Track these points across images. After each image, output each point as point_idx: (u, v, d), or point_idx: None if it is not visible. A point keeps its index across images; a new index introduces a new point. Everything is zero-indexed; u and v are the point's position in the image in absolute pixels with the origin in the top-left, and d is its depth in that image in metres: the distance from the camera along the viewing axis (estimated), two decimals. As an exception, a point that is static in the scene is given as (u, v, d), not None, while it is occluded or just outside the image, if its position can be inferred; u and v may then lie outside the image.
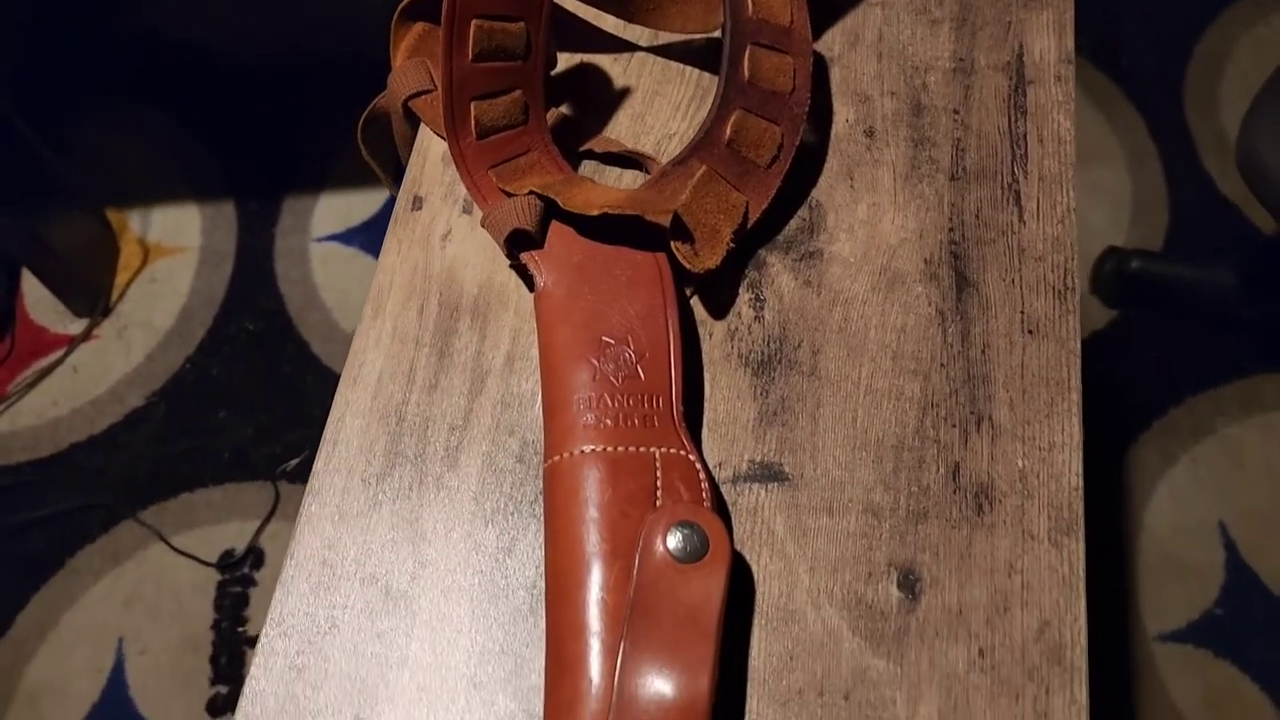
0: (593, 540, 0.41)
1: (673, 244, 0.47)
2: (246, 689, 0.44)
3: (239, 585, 1.14)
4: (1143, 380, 1.20)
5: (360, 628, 0.44)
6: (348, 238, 1.31)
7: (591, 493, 0.42)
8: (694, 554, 0.40)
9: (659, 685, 0.38)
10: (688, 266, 0.47)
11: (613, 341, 0.45)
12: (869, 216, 0.53)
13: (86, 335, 1.25)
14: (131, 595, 1.13)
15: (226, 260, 1.30)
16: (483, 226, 0.49)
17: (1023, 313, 0.50)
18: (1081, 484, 0.47)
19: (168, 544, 1.15)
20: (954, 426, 0.48)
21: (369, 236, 1.30)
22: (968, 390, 0.49)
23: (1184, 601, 1.09)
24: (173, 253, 1.31)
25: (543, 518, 0.45)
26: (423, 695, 0.43)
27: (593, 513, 0.41)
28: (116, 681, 1.10)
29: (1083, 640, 0.43)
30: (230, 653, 1.12)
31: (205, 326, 1.26)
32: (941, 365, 0.49)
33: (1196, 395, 1.19)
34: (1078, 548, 0.45)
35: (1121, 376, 1.20)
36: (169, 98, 1.41)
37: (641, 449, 0.43)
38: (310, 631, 0.44)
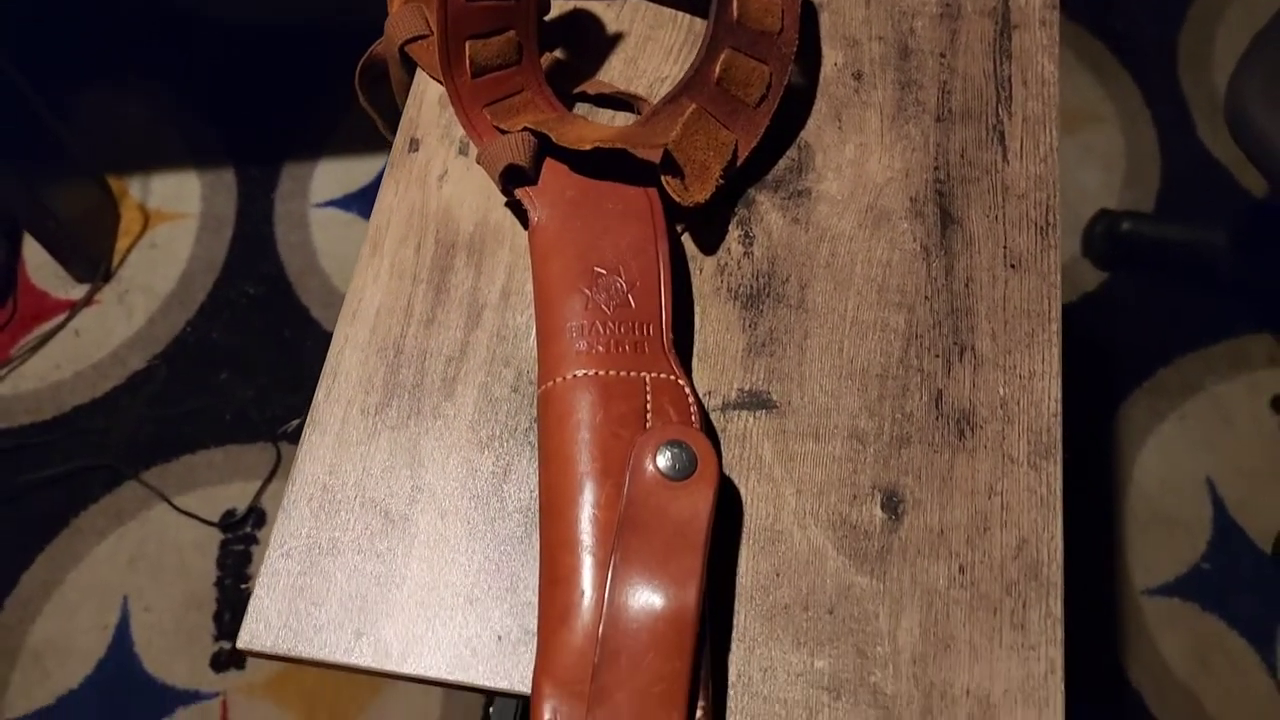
0: (585, 460, 0.42)
1: (663, 178, 0.48)
2: (251, 607, 0.45)
3: (241, 544, 1.15)
4: (1132, 340, 1.21)
5: (360, 548, 0.46)
6: (346, 203, 1.32)
7: (584, 415, 0.43)
8: (683, 472, 0.42)
9: (649, 596, 0.40)
10: (678, 200, 0.48)
11: (604, 272, 0.47)
12: (856, 156, 0.54)
13: (88, 300, 1.26)
14: (135, 554, 1.15)
15: (226, 226, 1.31)
16: (478, 163, 0.50)
17: (1005, 248, 0.52)
18: (1060, 410, 0.48)
19: (170, 504, 1.16)
20: (937, 356, 0.49)
21: (368, 202, 1.32)
22: (951, 322, 0.50)
23: (1171, 556, 1.10)
24: (173, 218, 1.32)
25: (537, 443, 0.47)
26: (421, 611, 0.44)
27: (585, 434, 0.43)
28: (121, 638, 1.12)
29: (1059, 557, 0.45)
30: (234, 610, 1.13)
31: (205, 291, 1.27)
32: (926, 298, 0.50)
33: (1185, 355, 1.20)
34: (1055, 470, 0.47)
35: (1112, 337, 1.21)
36: (169, 64, 1.42)
37: (632, 373, 0.44)
38: (312, 553, 0.46)
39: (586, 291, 0.46)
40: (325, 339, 1.24)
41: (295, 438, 1.21)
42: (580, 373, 0.44)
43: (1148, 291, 1.24)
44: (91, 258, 1.26)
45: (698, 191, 0.49)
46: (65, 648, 1.11)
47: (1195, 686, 1.04)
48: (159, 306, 1.25)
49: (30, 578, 1.14)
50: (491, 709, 1.02)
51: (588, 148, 0.47)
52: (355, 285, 0.52)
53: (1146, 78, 1.37)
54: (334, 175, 1.33)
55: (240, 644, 0.45)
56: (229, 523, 1.16)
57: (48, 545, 1.15)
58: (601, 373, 0.44)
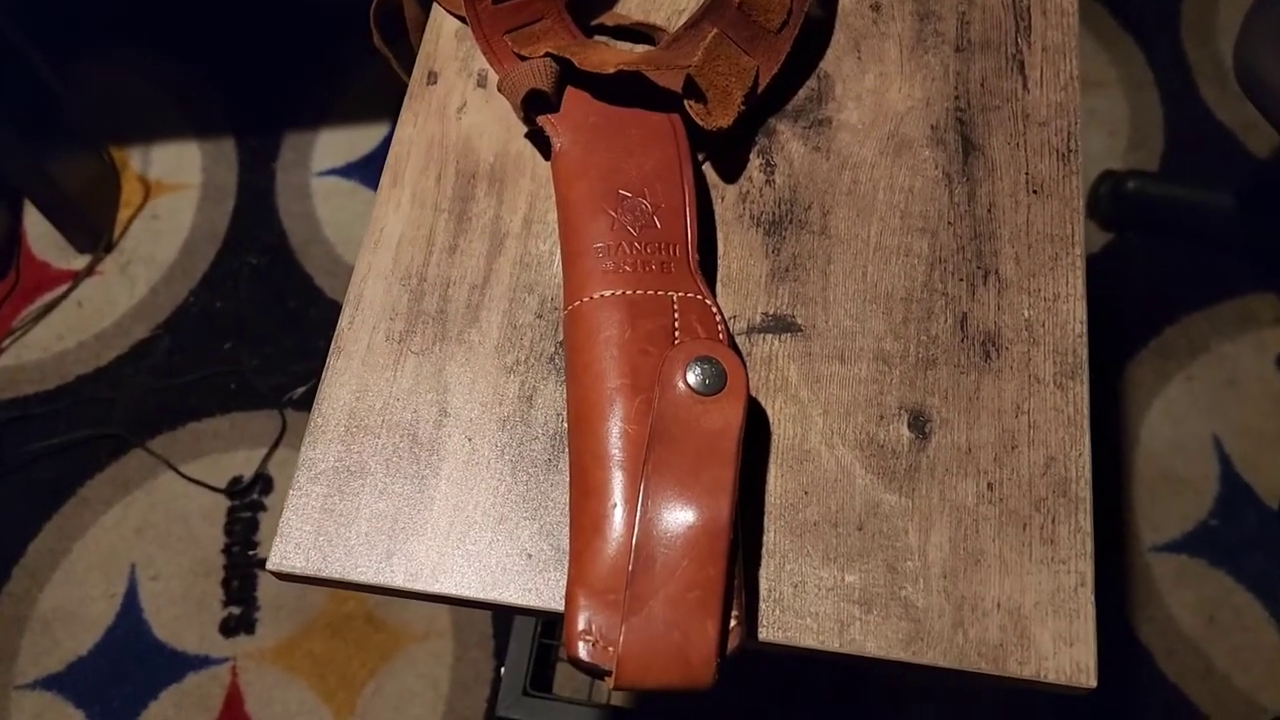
0: (614, 375, 0.42)
1: (686, 103, 0.48)
2: (281, 529, 0.45)
3: (248, 511, 1.15)
4: (1139, 301, 1.21)
5: (389, 470, 0.46)
6: (348, 172, 1.32)
7: (613, 331, 0.43)
8: (713, 387, 0.42)
9: (681, 507, 0.40)
10: (701, 124, 0.48)
11: (629, 194, 0.46)
12: (876, 86, 0.54)
13: (90, 270, 1.26)
14: (142, 523, 1.15)
15: (228, 196, 1.30)
16: (499, 90, 0.50)
17: (1027, 174, 0.52)
18: (1085, 332, 0.48)
19: (177, 472, 1.16)
20: (961, 280, 0.49)
21: (370, 171, 1.31)
22: (974, 246, 0.50)
23: (1179, 514, 1.10)
24: (174, 189, 1.31)
25: (563, 369, 0.47)
26: (451, 530, 0.44)
27: (614, 350, 0.43)
28: (130, 606, 1.11)
29: (1087, 474, 0.45)
30: (242, 576, 1.13)
31: (208, 261, 1.26)
32: (949, 223, 0.50)
33: (1192, 314, 1.20)
34: (1082, 390, 0.47)
35: (1118, 298, 1.21)
36: (169, 34, 1.41)
37: (659, 292, 0.44)
38: (340, 475, 0.46)
39: (612, 213, 0.46)
40: (330, 307, 1.23)
41: (302, 405, 1.21)
42: (608, 292, 0.44)
43: (1153, 252, 1.24)
44: (93, 229, 1.26)
45: (720, 116, 0.49)
46: (74, 616, 1.11)
47: (1204, 643, 1.04)
48: (161, 277, 1.25)
49: (37, 547, 1.14)
50: (502, 669, 1.02)
51: (610, 71, 0.47)
52: (377, 215, 0.51)
53: (1149, 41, 1.37)
54: (335, 144, 1.33)
55: (270, 565, 0.44)
56: (235, 490, 1.16)
57: (54, 514, 1.15)
58: (629, 292, 0.44)
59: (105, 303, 1.24)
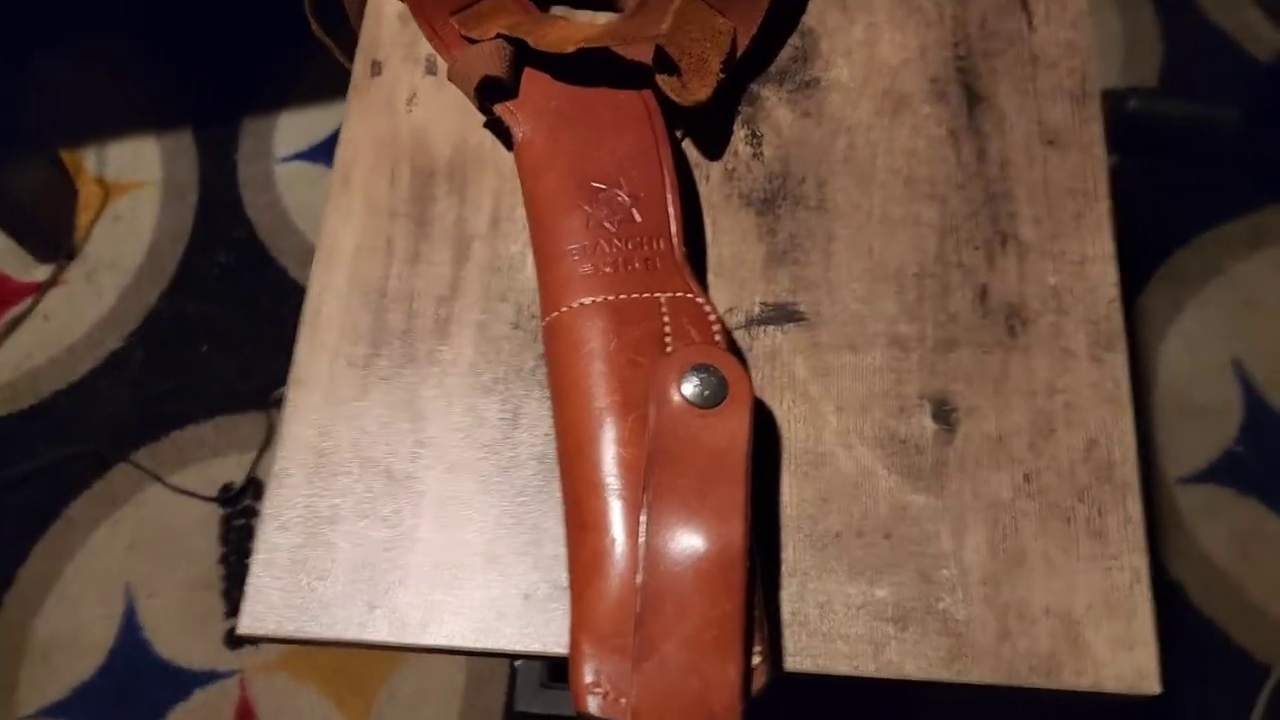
0: (602, 394, 0.38)
1: (658, 78, 0.43)
2: (249, 588, 0.41)
3: (242, 517, 1.11)
4: (1146, 226, 1.16)
5: (364, 514, 0.41)
6: (313, 155, 1.26)
7: (596, 344, 0.39)
8: (713, 398, 0.37)
9: (689, 535, 0.35)
10: (676, 100, 0.43)
11: (604, 186, 0.42)
12: (866, 38, 0.49)
13: (54, 281, 1.20)
14: (134, 539, 1.11)
15: (190, 191, 1.24)
16: (450, 79, 0.45)
17: (1040, 123, 0.47)
18: (1119, 295, 0.44)
19: (164, 484, 1.12)
20: (977, 249, 0.44)
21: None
22: (989, 210, 0.45)
23: (1203, 443, 1.07)
24: (133, 188, 1.25)
25: (546, 381, 0.42)
26: (438, 575, 0.40)
27: (599, 365, 0.38)
28: (130, 627, 1.08)
29: (1133, 456, 0.41)
30: (242, 585, 1.09)
31: (176, 261, 1.21)
32: (959, 186, 0.46)
33: (1201, 236, 1.15)
34: (1120, 361, 0.42)
35: (1124, 223, 1.16)
36: (111, 26, 1.35)
37: (645, 294, 0.40)
38: (310, 523, 0.41)
39: (586, 209, 0.41)
40: (307, 300, 1.18)
41: (286, 405, 1.16)
42: (588, 299, 0.39)
43: (1158, 173, 1.19)
44: (52, 236, 1.20)
45: (698, 89, 0.44)
46: (73, 641, 1.07)
47: (1236, 574, 1.01)
48: (129, 282, 1.20)
49: (27, 573, 1.10)
50: (518, 663, 0.99)
51: (571, 50, 0.42)
52: (327, 227, 0.47)
53: (1139, -51, 1.30)
54: (297, 127, 1.27)
55: (242, 629, 0.40)
56: (227, 497, 1.12)
57: (42, 538, 1.11)
58: (611, 297, 0.39)
59: (73, 314, 1.19)
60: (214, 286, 1.20)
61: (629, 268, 0.40)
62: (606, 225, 0.41)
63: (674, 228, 0.41)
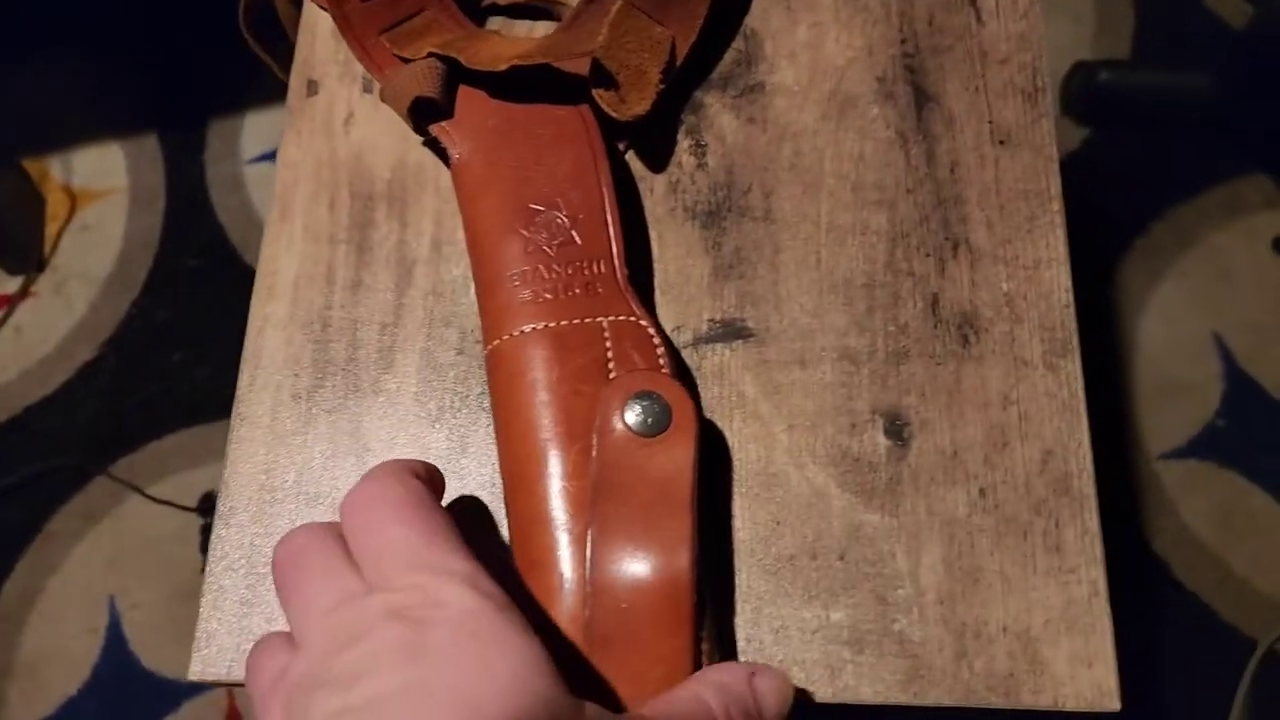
0: (545, 425, 0.37)
1: (595, 92, 0.42)
2: (199, 632, 0.40)
3: (222, 527, 1.11)
4: (1122, 198, 1.15)
5: (310, 553, 0.41)
6: (281, 156, 1.25)
7: (538, 374, 0.38)
8: (656, 425, 0.37)
9: (635, 568, 0.35)
10: (614, 115, 0.42)
11: (542, 208, 0.41)
12: (811, 39, 0.48)
13: (24, 293, 1.19)
14: (115, 552, 1.10)
15: (157, 197, 1.23)
16: (382, 100, 0.44)
17: (991, 123, 0.46)
18: (1072, 300, 0.43)
19: (144, 495, 1.11)
20: (928, 255, 0.44)
21: (303, 153, 1.23)
22: (939, 214, 0.44)
23: (1184, 417, 1.06)
24: (100, 196, 1.24)
25: (491, 411, 0.41)
26: (385, 616, 0.39)
27: (542, 395, 0.37)
28: (115, 639, 1.08)
29: (1089, 466, 0.40)
30: (224, 596, 1.09)
31: (146, 269, 1.20)
32: (908, 191, 0.45)
33: (1177, 207, 1.14)
34: (1075, 369, 0.42)
35: (1099, 196, 1.15)
36: (72, 35, 1.33)
37: (587, 320, 0.39)
38: (258, 563, 0.41)
39: (524, 232, 0.40)
40: (281, 303, 1.17)
41: (264, 410, 1.15)
42: (528, 327, 0.38)
43: (1132, 144, 1.18)
44: (20, 248, 1.19)
45: (636, 102, 0.43)
46: (58, 656, 1.07)
47: (1221, 549, 1.01)
48: (99, 291, 1.18)
49: (10, 590, 1.09)
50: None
51: (504, 68, 0.41)
52: (266, 256, 0.46)
53: (1108, -85, 1.28)
54: (263, 127, 1.25)
55: (192, 675, 0.40)
56: (207, 506, 1.11)
57: (23, 555, 1.10)
58: (552, 323, 0.38)
59: (44, 326, 1.18)
60: (186, 292, 1.19)
61: (569, 293, 0.39)
62: (546, 249, 0.40)
63: (615, 249, 0.40)
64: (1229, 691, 0.95)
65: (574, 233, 0.40)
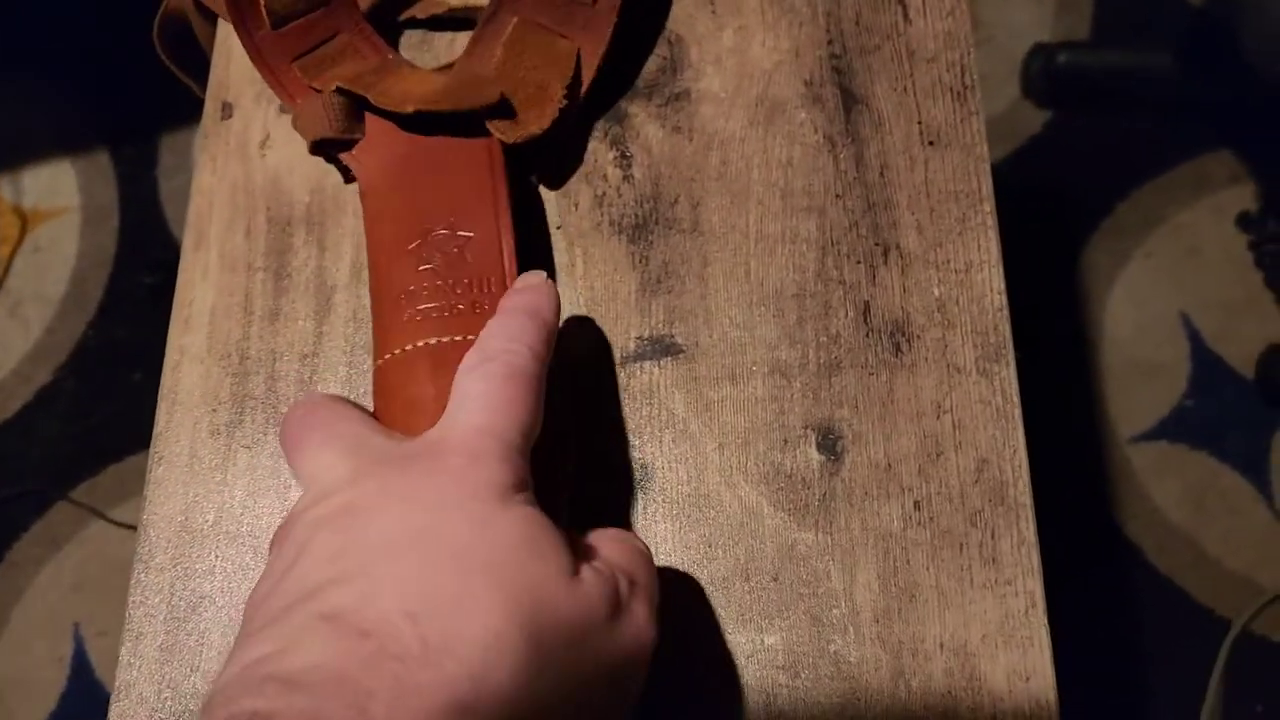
0: None
1: (488, 122, 0.41)
2: (118, 683, 0.39)
3: (188, 548, 1.09)
4: (1085, 180, 1.14)
5: (233, 593, 0.40)
6: (235, 169, 1.23)
7: (415, 390, 0.36)
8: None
9: None
10: (506, 139, 0.41)
11: (438, 230, 0.39)
12: (736, 43, 0.47)
13: (-22, 318, 1.18)
14: (79, 578, 1.09)
15: (111, 214, 1.21)
16: (294, 128, 0.43)
17: (920, 123, 0.45)
18: (1006, 304, 0.42)
19: (106, 519, 1.09)
20: (858, 262, 0.43)
21: (258, 164, 1.22)
22: (869, 219, 0.43)
23: (1153, 399, 1.05)
24: (52, 216, 1.22)
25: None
26: (307, 658, 0.38)
27: (418, 418, 0.36)
28: (80, 667, 1.06)
29: (1025, 474, 0.39)
30: (192, 617, 1.08)
31: (101, 287, 1.18)
32: (837, 196, 0.44)
33: (1143, 187, 1.13)
34: (1009, 374, 0.41)
35: (1063, 180, 1.14)
36: (19, 52, 1.30)
37: (470, 337, 0.37)
38: (179, 607, 0.40)
39: (419, 253, 0.39)
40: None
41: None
42: (409, 345, 0.37)
43: (1095, 126, 1.17)
44: (-28, 273, 1.17)
45: (533, 121, 0.41)
46: (24, 685, 1.06)
47: (1193, 530, 1.01)
48: (55, 313, 1.17)
49: (-23, 620, 1.08)
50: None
51: (410, 110, 0.40)
52: (182, 286, 0.45)
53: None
54: (216, 141, 1.23)
55: (111, 727, 0.39)
56: (172, 528, 1.10)
57: (-14, 584, 1.09)
58: (433, 340, 0.37)
59: (0, 350, 1.16)
60: (143, 310, 1.17)
61: (454, 310, 0.38)
62: (435, 270, 0.38)
63: (506, 270, 0.38)
64: (1204, 673, 0.95)
65: (465, 253, 0.39)
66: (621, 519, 0.39)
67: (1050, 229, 1.11)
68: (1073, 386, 1.05)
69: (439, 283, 0.38)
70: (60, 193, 1.22)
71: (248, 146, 0.46)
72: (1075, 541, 1.01)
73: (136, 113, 1.26)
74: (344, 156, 0.41)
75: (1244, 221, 1.12)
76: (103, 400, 1.13)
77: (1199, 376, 1.06)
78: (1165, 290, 1.09)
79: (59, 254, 1.20)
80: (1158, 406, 1.05)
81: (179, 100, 1.24)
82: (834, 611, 0.38)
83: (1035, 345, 1.05)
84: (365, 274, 0.44)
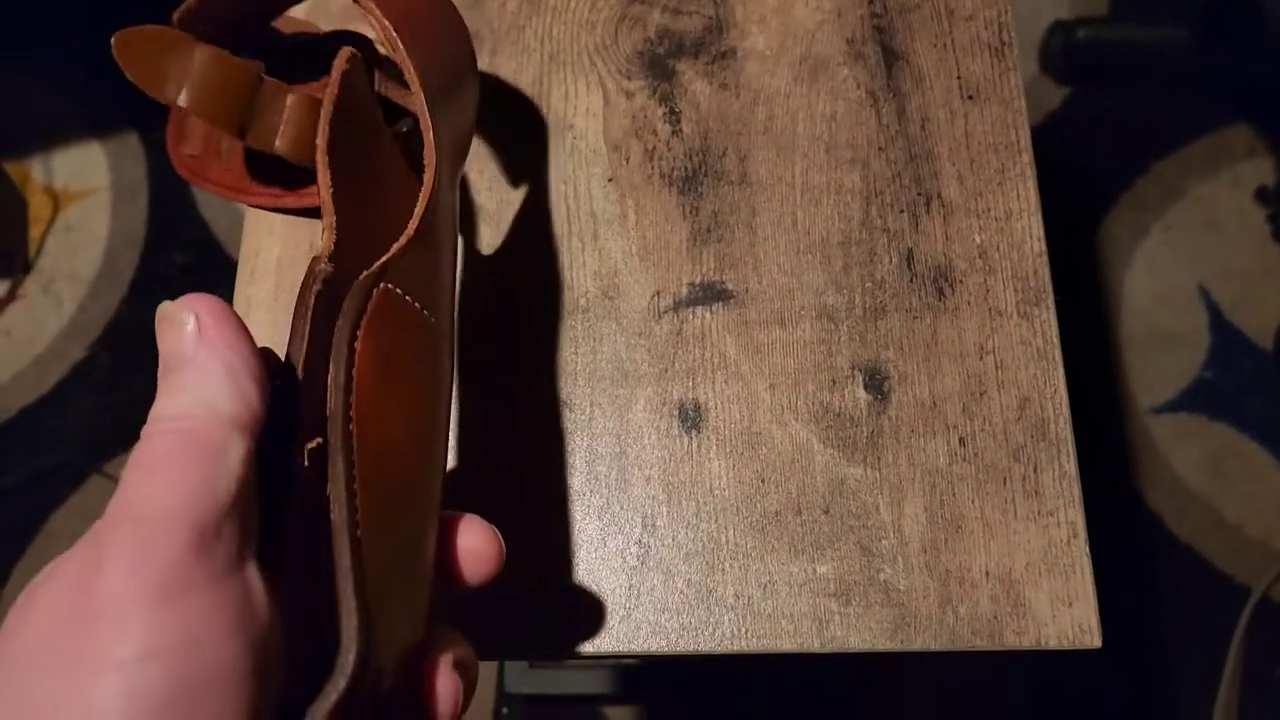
0: None
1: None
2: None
3: (221, 519, 1.11)
4: (1105, 155, 1.16)
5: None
6: (263, 148, 1.24)
7: None
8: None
9: None
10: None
11: None
12: (780, 3, 0.48)
13: (12, 296, 1.19)
14: (115, 549, 1.10)
15: (140, 194, 1.23)
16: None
17: (959, 78, 0.46)
18: (1045, 249, 0.43)
19: (141, 492, 1.11)
20: (902, 211, 0.44)
21: (286, 143, 1.23)
22: (911, 170, 0.45)
23: (1172, 371, 1.07)
24: (83, 196, 1.24)
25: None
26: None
27: None
28: (118, 636, 1.08)
29: (1065, 411, 0.41)
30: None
31: (133, 266, 1.20)
32: (880, 149, 0.45)
33: (1162, 160, 1.15)
34: (1049, 317, 0.42)
35: (1083, 155, 1.15)
36: (47, 34, 1.32)
37: None
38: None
39: None
40: (270, 295, 1.17)
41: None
42: None
43: (1114, 100, 1.18)
44: (5, 251, 1.19)
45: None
46: (63, 654, 1.07)
47: (1213, 498, 1.02)
48: (88, 291, 1.19)
49: (10, 592, 1.10)
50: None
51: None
52: (248, 244, 0.46)
53: None
54: (245, 121, 1.25)
55: None
56: (205, 500, 1.12)
57: (23, 556, 1.11)
58: None
59: (34, 327, 1.18)
60: (173, 287, 1.19)
61: None
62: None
63: None
64: (1224, 639, 0.96)
65: None
66: (669, 459, 0.41)
67: (1070, 203, 1.13)
68: (1092, 356, 1.07)
69: None
70: (91, 174, 1.24)
71: (307, 105, 0.48)
72: (1096, 511, 1.02)
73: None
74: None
75: (1262, 195, 1.13)
76: (136, 375, 1.15)
77: (1218, 348, 1.07)
78: (1184, 263, 1.10)
79: (90, 233, 1.22)
80: (1177, 377, 1.07)
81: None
82: (883, 542, 0.39)
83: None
84: (424, 226, 0.45)
